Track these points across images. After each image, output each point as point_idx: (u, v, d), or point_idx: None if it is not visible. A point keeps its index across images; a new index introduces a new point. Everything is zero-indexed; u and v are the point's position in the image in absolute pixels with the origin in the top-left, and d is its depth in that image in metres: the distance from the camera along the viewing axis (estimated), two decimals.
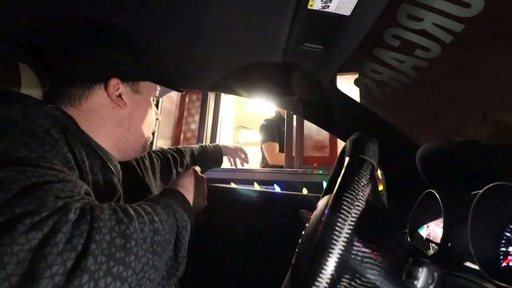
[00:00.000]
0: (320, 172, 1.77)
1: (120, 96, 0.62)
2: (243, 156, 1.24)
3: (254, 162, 3.28)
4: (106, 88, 0.60)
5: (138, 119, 0.65)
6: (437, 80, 1.95)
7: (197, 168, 0.72)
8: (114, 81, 0.60)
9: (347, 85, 1.79)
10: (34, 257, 0.32)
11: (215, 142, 2.55)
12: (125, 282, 0.37)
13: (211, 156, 1.15)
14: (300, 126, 2.08)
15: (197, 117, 2.66)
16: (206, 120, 2.56)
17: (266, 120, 2.43)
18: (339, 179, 0.42)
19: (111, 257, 0.36)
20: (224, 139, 2.83)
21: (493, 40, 1.91)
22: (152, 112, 0.70)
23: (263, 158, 2.53)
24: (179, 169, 0.99)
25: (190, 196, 0.61)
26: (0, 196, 0.34)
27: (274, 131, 2.29)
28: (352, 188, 0.40)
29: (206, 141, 2.55)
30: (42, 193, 0.36)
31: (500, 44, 1.91)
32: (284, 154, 2.13)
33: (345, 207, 0.39)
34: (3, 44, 0.74)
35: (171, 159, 0.96)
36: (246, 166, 1.34)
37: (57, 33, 0.65)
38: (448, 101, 1.95)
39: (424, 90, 1.94)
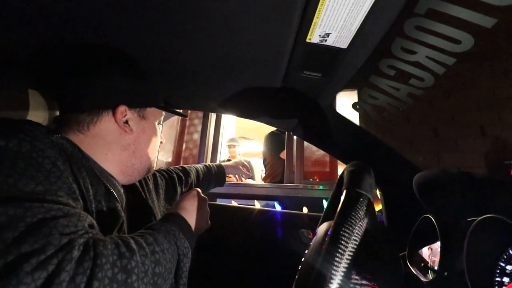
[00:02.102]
0: (321, 187, 1.78)
1: (127, 122, 0.64)
2: (245, 170, 1.25)
3: (255, 172, 3.29)
4: (114, 114, 0.62)
5: (143, 144, 0.67)
6: (435, 96, 1.98)
7: (199, 190, 0.73)
8: (122, 108, 0.62)
9: (346, 101, 1.82)
10: None
11: (217, 152, 2.57)
12: None
13: (215, 176, 1.17)
14: (301, 141, 2.10)
15: (199, 128, 2.68)
16: (207, 131, 2.58)
17: (272, 133, 2.49)
18: (336, 214, 0.44)
19: None
20: (225, 149, 2.85)
21: (491, 57, 1.95)
22: (157, 137, 0.72)
23: (266, 170, 2.57)
24: (183, 188, 1.00)
25: (192, 219, 0.63)
26: (8, 234, 0.35)
27: (281, 142, 2.37)
28: (349, 223, 0.42)
29: (208, 152, 2.56)
30: (48, 230, 0.37)
31: (498, 61, 1.94)
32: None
33: (343, 241, 0.40)
34: (14, 69, 0.77)
35: (176, 178, 0.97)
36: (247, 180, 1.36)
37: (68, 60, 0.67)
38: (446, 116, 1.98)
39: (423, 105, 1.97)
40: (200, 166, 1.14)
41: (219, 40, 0.64)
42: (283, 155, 2.29)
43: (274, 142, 2.43)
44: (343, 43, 0.62)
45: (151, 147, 0.70)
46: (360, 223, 0.43)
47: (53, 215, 0.39)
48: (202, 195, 0.73)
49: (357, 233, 0.42)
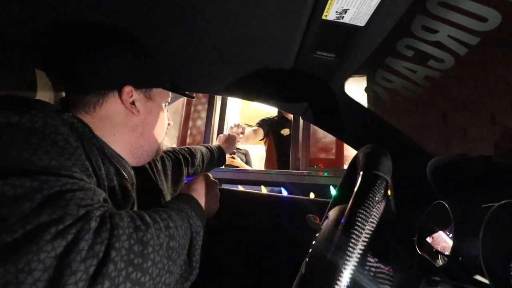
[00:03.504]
0: (326, 174, 1.77)
1: (133, 103, 0.63)
2: (236, 131, 1.34)
3: (258, 159, 3.29)
4: (120, 95, 0.61)
5: (151, 125, 0.67)
6: (446, 83, 1.93)
7: (209, 174, 0.73)
8: (128, 89, 0.61)
9: (355, 87, 1.78)
10: (59, 264, 0.33)
11: None
12: (143, 287, 0.39)
13: (217, 158, 1.19)
14: (307, 128, 2.08)
15: (204, 114, 2.67)
16: (212, 119, 2.57)
17: (261, 119, 2.54)
18: (352, 196, 0.42)
19: (130, 264, 0.38)
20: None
21: (503, 43, 1.88)
22: (164, 118, 0.72)
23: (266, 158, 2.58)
24: (190, 170, 1.00)
25: (202, 201, 0.63)
26: (25, 205, 0.35)
27: (265, 129, 2.49)
28: (366, 205, 0.40)
29: (213, 139, 2.56)
30: (65, 202, 0.37)
31: (511, 48, 1.88)
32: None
33: (359, 224, 0.39)
34: (21, 49, 0.75)
35: (182, 159, 0.97)
36: (253, 167, 1.38)
37: (73, 40, 0.66)
38: (456, 104, 1.94)
39: (433, 93, 1.92)
40: (203, 148, 1.14)
41: (228, 18, 0.62)
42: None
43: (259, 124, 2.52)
44: (361, 21, 0.59)
45: (159, 129, 0.69)
46: (378, 206, 0.41)
47: (69, 188, 0.39)
48: (212, 178, 0.73)
49: (374, 216, 0.41)
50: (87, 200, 0.40)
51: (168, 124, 0.75)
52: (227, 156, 1.35)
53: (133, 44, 0.65)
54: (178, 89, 0.76)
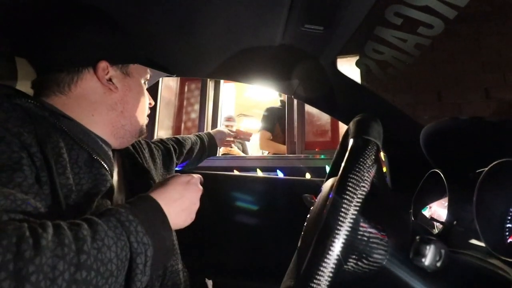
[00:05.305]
0: (322, 156, 1.77)
1: (110, 79, 0.60)
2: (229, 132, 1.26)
3: (254, 148, 3.29)
4: (95, 71, 0.58)
5: (131, 103, 0.64)
6: (439, 59, 1.92)
7: (196, 176, 0.59)
8: (103, 64, 0.58)
9: (347, 68, 1.77)
10: None
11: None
12: None
13: (207, 146, 1.15)
14: (301, 111, 2.07)
15: (197, 106, 2.64)
16: (206, 109, 2.54)
17: (267, 110, 2.46)
18: (344, 161, 0.42)
19: None
20: (223, 128, 2.81)
21: (495, 17, 1.86)
22: (144, 95, 0.68)
23: None
24: (179, 159, 0.98)
25: (171, 208, 0.49)
26: None
27: (273, 120, 2.36)
28: (357, 169, 0.39)
29: (208, 129, 2.54)
30: None
31: (503, 21, 1.86)
32: (275, 142, 2.24)
33: (350, 189, 0.38)
34: None
35: (171, 148, 0.95)
36: (249, 153, 1.35)
37: (41, 16, 0.62)
38: (450, 80, 1.93)
39: (426, 69, 1.91)
40: (192, 137, 1.11)
41: None
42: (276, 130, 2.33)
43: (265, 119, 2.43)
44: None
45: (140, 106, 0.66)
46: (369, 170, 0.41)
47: None
48: (197, 182, 0.57)
49: (366, 180, 0.40)
50: None
51: (150, 103, 0.72)
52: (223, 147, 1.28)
53: (106, 18, 0.62)
54: (156, 65, 0.72)
